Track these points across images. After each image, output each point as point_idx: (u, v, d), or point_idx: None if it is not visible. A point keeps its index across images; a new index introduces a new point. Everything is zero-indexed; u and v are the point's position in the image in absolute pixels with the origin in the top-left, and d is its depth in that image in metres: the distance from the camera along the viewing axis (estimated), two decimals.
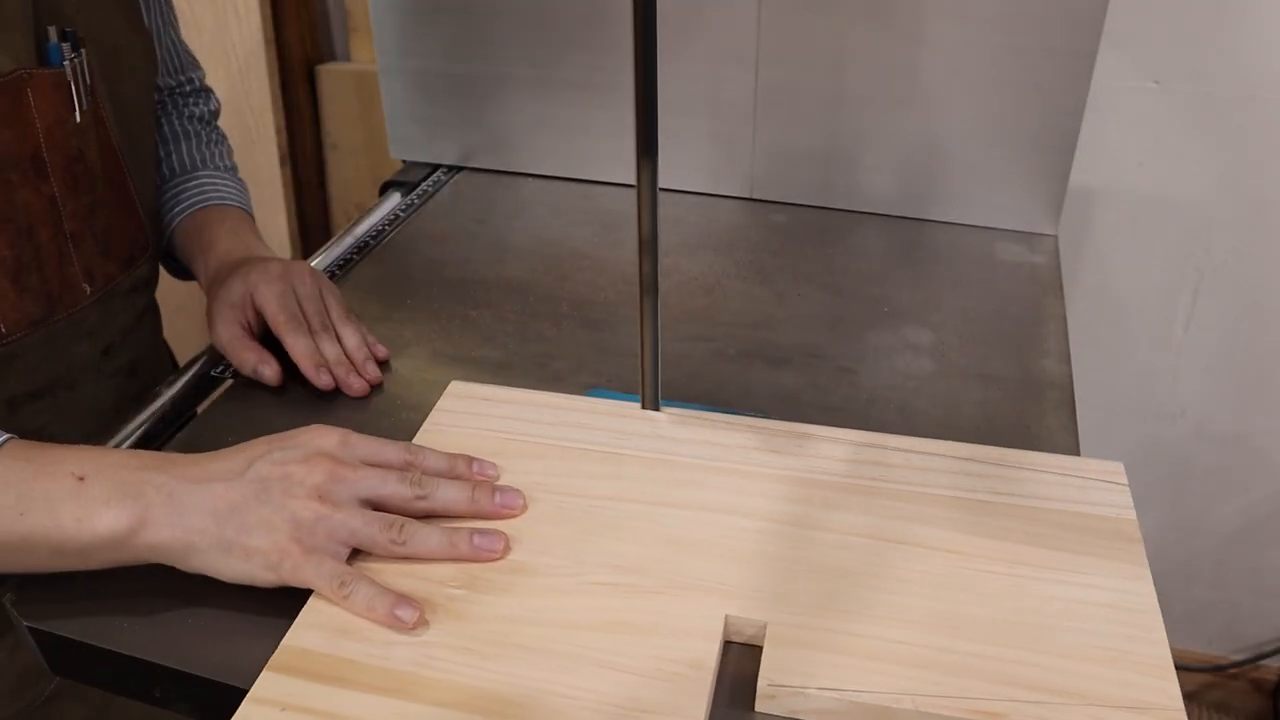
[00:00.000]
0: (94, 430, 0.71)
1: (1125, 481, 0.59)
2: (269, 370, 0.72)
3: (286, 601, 0.57)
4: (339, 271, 0.91)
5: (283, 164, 1.46)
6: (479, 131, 1.09)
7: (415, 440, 0.63)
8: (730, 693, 0.49)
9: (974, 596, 0.51)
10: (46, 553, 0.53)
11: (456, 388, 0.68)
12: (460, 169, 1.12)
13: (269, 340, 0.74)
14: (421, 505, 0.56)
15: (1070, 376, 0.76)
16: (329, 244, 0.96)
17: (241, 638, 0.55)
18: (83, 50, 0.69)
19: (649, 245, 0.61)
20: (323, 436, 0.57)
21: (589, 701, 0.46)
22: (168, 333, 0.90)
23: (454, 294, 0.87)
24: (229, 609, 0.57)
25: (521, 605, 0.51)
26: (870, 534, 0.55)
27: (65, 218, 0.70)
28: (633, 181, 0.59)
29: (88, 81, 0.69)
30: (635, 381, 0.67)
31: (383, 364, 0.76)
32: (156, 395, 0.74)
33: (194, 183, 0.86)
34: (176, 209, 0.86)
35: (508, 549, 0.54)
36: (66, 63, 0.67)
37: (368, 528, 0.54)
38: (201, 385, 0.76)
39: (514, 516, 0.57)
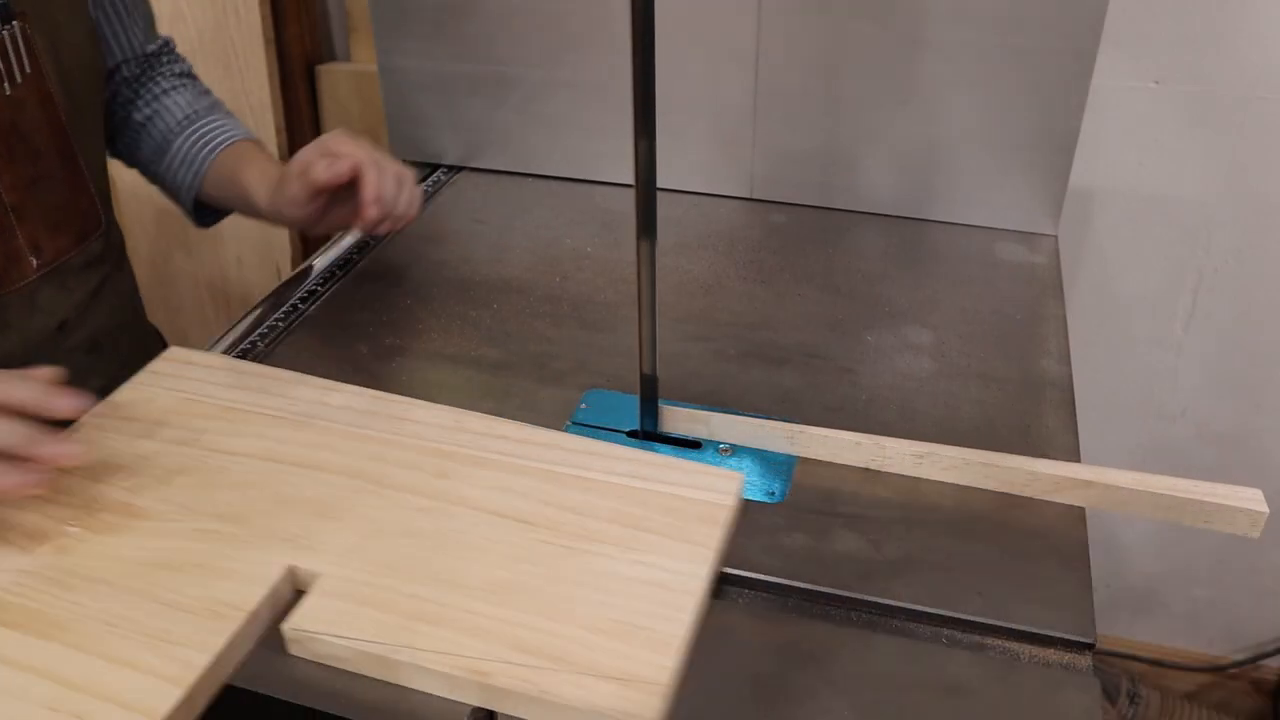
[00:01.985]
0: None
1: (739, 484, 0.61)
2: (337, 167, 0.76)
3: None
4: (339, 271, 0.91)
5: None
6: (479, 131, 1.09)
7: (115, 397, 0.68)
8: (274, 635, 0.54)
9: (525, 565, 0.55)
10: None
11: (173, 352, 0.74)
12: (460, 169, 1.12)
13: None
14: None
15: (1070, 376, 0.76)
16: (329, 244, 0.96)
17: None
18: (15, 22, 0.70)
19: (647, 243, 0.61)
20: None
21: (126, 629, 0.51)
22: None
23: (454, 294, 0.87)
24: None
25: (125, 545, 0.57)
26: (455, 500, 0.60)
27: (4, 189, 0.72)
28: (632, 181, 0.59)
29: (21, 55, 0.71)
30: (635, 382, 0.67)
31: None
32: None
33: (209, 127, 0.89)
34: (204, 152, 0.88)
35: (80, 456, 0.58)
36: None
37: None
38: None
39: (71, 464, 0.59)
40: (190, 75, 0.94)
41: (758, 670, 0.53)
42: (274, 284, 0.93)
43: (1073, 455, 0.68)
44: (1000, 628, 0.56)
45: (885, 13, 0.91)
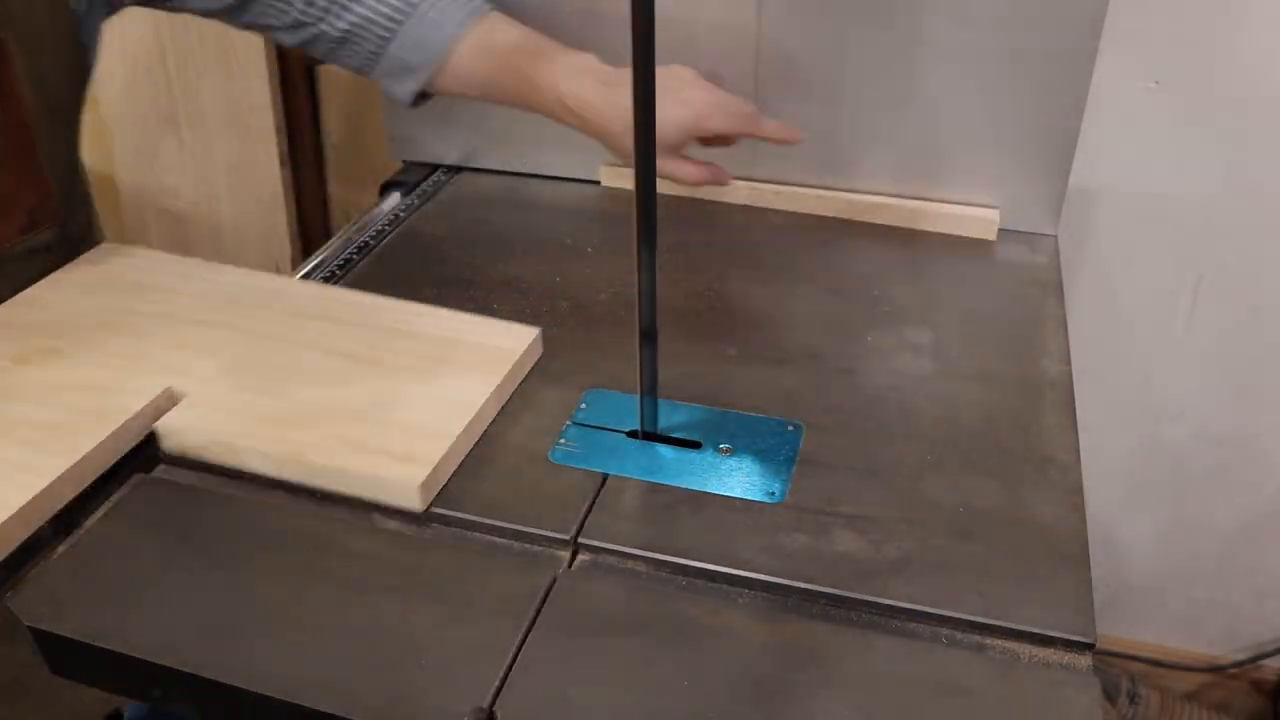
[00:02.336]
0: None
1: (535, 336, 0.76)
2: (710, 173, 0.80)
3: (288, 602, 0.57)
4: (339, 271, 0.91)
5: (283, 164, 1.46)
6: (479, 131, 1.09)
7: (26, 294, 0.80)
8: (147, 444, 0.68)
9: (346, 386, 0.71)
10: None
11: (105, 246, 0.87)
12: (460, 169, 1.12)
13: None
14: None
15: (1070, 376, 0.76)
16: (329, 244, 0.96)
17: (242, 638, 0.55)
18: None
19: (647, 247, 0.61)
20: None
21: (32, 425, 0.66)
22: None
23: (454, 294, 0.87)
24: (229, 609, 0.57)
25: (43, 373, 0.72)
26: (303, 344, 0.75)
27: None
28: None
29: None
30: (635, 382, 0.67)
31: None
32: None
33: (421, 12, 0.83)
34: (424, 58, 0.84)
35: None
36: None
37: None
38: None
39: None
40: None
41: (758, 670, 0.53)
42: None
43: (1073, 455, 0.68)
44: (1000, 628, 0.56)
45: (885, 13, 0.91)
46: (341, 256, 0.93)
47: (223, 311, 0.79)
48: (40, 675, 0.59)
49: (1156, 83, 1.13)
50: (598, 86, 0.81)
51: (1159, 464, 1.39)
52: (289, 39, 0.88)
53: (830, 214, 1.01)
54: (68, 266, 0.84)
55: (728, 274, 0.91)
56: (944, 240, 0.97)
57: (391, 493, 0.63)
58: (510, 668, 0.53)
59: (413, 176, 1.10)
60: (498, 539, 0.62)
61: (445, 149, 1.12)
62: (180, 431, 0.68)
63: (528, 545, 0.62)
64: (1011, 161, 0.95)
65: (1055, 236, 0.97)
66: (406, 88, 0.87)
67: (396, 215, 1.02)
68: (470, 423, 0.68)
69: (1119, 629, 1.55)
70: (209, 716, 0.56)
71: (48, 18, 0.78)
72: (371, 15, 0.84)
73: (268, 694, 0.52)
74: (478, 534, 0.63)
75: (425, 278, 0.90)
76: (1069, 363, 0.78)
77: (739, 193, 1.04)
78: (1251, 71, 1.10)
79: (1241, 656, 1.51)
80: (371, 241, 0.96)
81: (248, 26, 0.88)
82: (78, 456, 0.64)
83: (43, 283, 0.82)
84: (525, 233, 0.99)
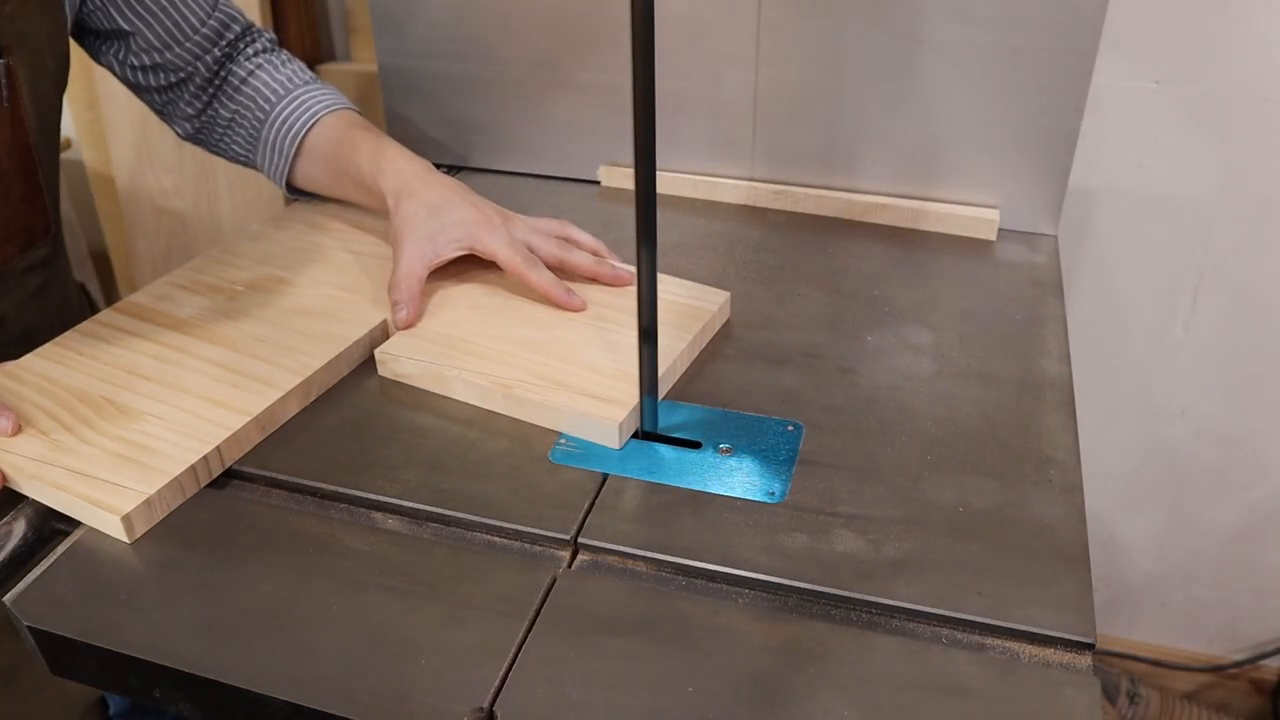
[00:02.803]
0: None
1: (725, 299, 0.83)
2: (406, 314, 0.78)
3: (288, 602, 0.57)
4: None
5: None
6: (478, 132, 1.09)
7: (251, 230, 0.92)
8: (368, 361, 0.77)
9: (552, 330, 0.77)
10: None
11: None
12: (460, 169, 1.12)
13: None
14: None
15: (1070, 376, 0.76)
16: None
17: (242, 638, 0.55)
18: (6, 58, 0.73)
19: (647, 247, 0.61)
20: None
21: (269, 344, 0.76)
22: None
23: None
24: (230, 609, 0.57)
25: (275, 299, 0.82)
26: (510, 289, 0.82)
27: None
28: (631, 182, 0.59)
29: (5, 86, 0.74)
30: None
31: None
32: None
33: (296, 102, 0.90)
34: (293, 129, 0.90)
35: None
36: None
37: None
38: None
39: None
40: (271, 48, 0.94)
41: (758, 670, 0.53)
42: None
43: (1073, 455, 0.68)
44: (1000, 628, 0.56)
45: (885, 13, 0.91)
46: None
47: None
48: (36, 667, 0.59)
49: (1156, 83, 1.13)
50: (402, 198, 0.83)
51: (1159, 464, 1.39)
52: (188, 127, 0.94)
53: (830, 214, 1.01)
54: (284, 212, 0.96)
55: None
56: (944, 240, 0.97)
57: (592, 431, 0.69)
58: (510, 668, 0.53)
59: None
60: (498, 539, 0.62)
61: (445, 149, 1.12)
62: (396, 359, 0.74)
63: (528, 545, 0.62)
64: (1011, 161, 0.95)
65: (1055, 237, 0.97)
66: (278, 169, 0.91)
67: None
68: (664, 373, 0.72)
69: (1119, 629, 1.55)
70: (209, 716, 0.56)
71: (47, 41, 0.79)
72: (255, 96, 0.91)
73: (268, 694, 0.52)
74: (478, 534, 0.63)
75: None
76: (1069, 363, 0.78)
77: (739, 192, 1.04)
78: (1251, 71, 1.10)
79: (1241, 656, 1.51)
80: None
81: (160, 110, 0.94)
82: (308, 374, 0.72)
83: (267, 222, 0.94)
84: None
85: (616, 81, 1.02)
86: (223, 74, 0.92)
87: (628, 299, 0.80)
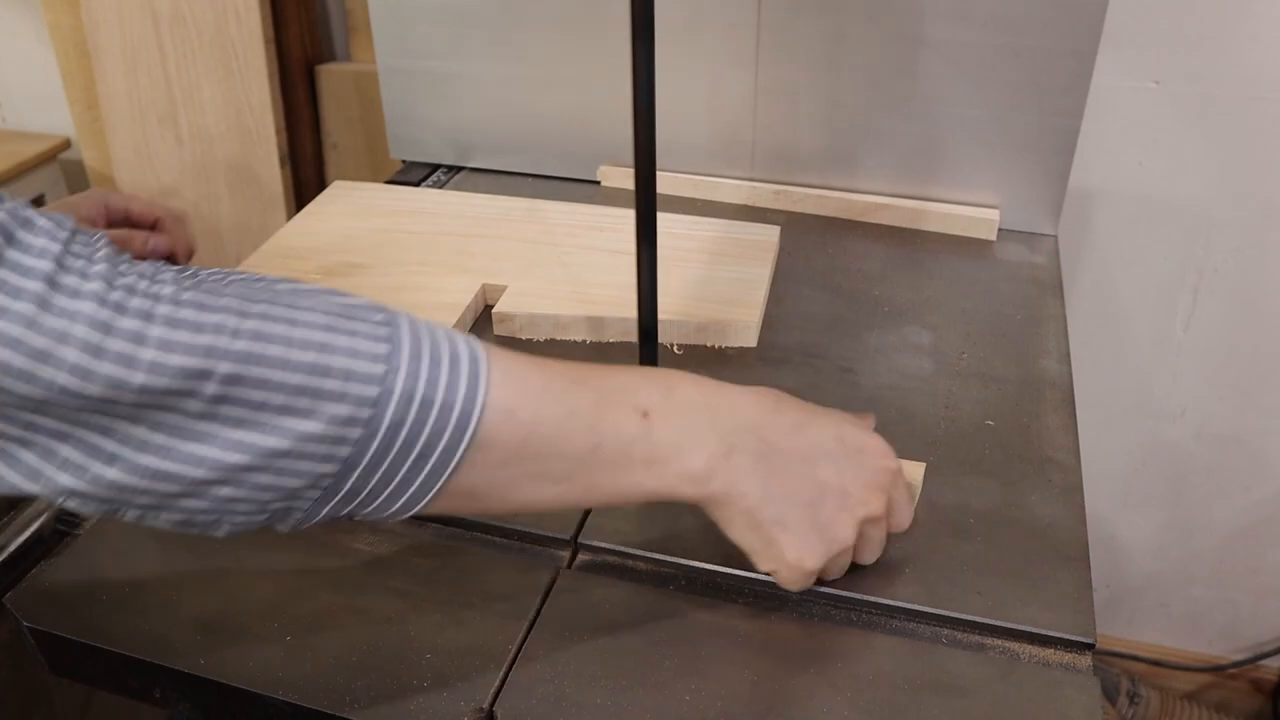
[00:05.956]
0: None
1: (776, 230, 0.91)
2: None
3: (288, 603, 0.57)
4: None
5: (283, 164, 1.46)
6: (478, 132, 1.09)
7: (291, 226, 0.90)
8: (482, 320, 0.82)
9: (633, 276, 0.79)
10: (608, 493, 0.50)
11: (339, 185, 0.98)
12: (460, 169, 1.12)
13: None
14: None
15: (1070, 376, 0.76)
16: None
17: (242, 638, 0.55)
18: None
19: (647, 248, 0.61)
20: (886, 460, 0.55)
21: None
22: None
23: None
24: (230, 609, 0.57)
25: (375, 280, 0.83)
26: (582, 246, 0.88)
27: None
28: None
29: None
30: None
31: None
32: None
33: None
34: None
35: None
36: None
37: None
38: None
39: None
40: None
41: (758, 670, 0.53)
42: None
43: (1073, 455, 0.68)
44: (1000, 628, 0.56)
45: (886, 13, 0.91)
46: None
47: (488, 226, 0.91)
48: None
49: (1156, 83, 1.13)
50: None
51: (1159, 464, 1.39)
52: None
53: (830, 214, 1.01)
54: (316, 201, 0.95)
55: None
56: (944, 240, 0.97)
57: (731, 335, 0.78)
58: (510, 668, 0.53)
59: (412, 176, 1.10)
60: (498, 539, 0.62)
61: (445, 149, 1.12)
62: (514, 314, 0.79)
63: (528, 545, 0.62)
64: (1011, 161, 0.95)
65: (1055, 237, 0.97)
66: None
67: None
68: (759, 298, 0.81)
69: (1119, 629, 1.55)
70: (209, 716, 0.56)
71: None
72: None
73: (268, 694, 0.52)
74: (478, 534, 0.63)
75: None
76: (1069, 363, 0.78)
77: (739, 192, 1.04)
78: (1251, 72, 1.10)
79: (1241, 656, 1.51)
80: None
81: None
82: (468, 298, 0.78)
83: (301, 215, 0.92)
84: None
85: (616, 81, 1.02)
86: None
87: (682, 240, 0.88)
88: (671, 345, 0.78)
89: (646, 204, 0.60)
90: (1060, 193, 0.95)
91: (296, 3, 1.41)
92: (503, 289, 0.82)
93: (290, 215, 1.57)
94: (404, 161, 1.14)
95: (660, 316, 0.68)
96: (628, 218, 0.72)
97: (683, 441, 0.49)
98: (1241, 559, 1.44)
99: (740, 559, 0.59)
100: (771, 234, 0.90)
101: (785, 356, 0.79)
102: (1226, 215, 1.19)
